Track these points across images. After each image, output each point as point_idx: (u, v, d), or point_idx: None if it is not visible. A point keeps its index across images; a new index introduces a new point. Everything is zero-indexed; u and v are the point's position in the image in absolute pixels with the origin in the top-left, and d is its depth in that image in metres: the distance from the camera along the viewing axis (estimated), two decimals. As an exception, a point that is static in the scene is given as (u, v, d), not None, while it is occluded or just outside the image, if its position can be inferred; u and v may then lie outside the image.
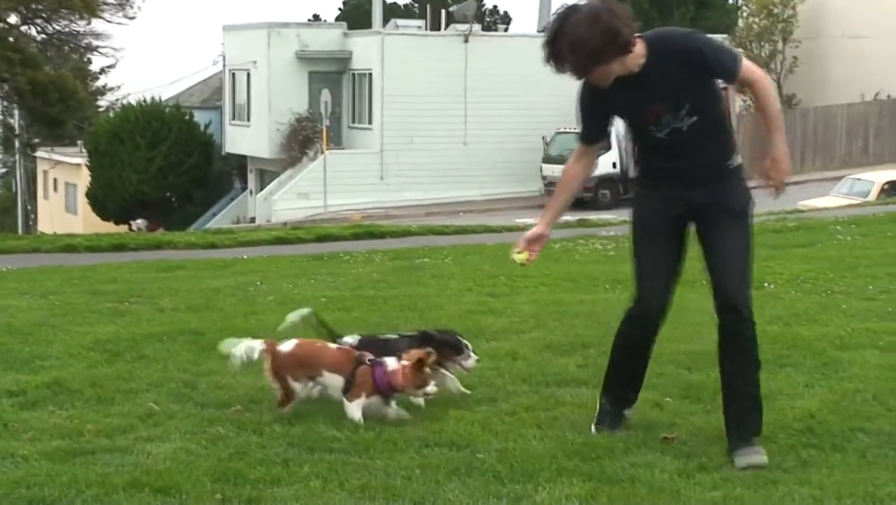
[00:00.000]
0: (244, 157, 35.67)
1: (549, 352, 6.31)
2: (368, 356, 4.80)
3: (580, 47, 4.20)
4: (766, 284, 8.94)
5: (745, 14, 41.04)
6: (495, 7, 56.30)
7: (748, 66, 4.45)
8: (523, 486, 4.04)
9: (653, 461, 4.31)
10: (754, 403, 4.43)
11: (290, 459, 4.32)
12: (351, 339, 5.28)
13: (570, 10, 4.29)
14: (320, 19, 46.51)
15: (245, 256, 15.07)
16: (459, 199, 30.58)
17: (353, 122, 33.38)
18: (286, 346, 4.90)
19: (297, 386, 4.83)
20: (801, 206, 23.28)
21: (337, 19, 43.16)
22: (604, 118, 4.70)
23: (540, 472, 4.15)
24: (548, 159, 31.02)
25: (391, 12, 41.28)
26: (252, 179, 35.68)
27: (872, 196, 25.11)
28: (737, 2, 43.82)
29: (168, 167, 34.16)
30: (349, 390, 4.74)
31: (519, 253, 4.60)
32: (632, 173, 5.12)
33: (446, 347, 5.11)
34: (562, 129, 30.71)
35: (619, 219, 23.93)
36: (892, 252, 11.68)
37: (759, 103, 4.57)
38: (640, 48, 4.36)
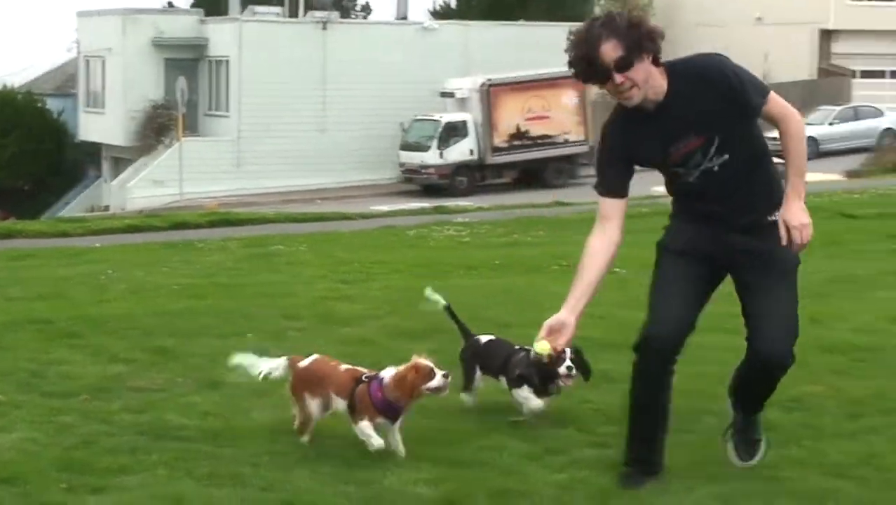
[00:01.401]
0: (98, 144, 35.16)
1: (403, 338, 6.43)
2: (367, 374, 4.46)
3: (634, 28, 3.82)
4: (617, 270, 9.31)
5: (601, 2, 42.18)
6: (355, -6, 56.38)
7: (777, 101, 3.96)
8: (372, 471, 4.11)
9: (502, 444, 4.44)
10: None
11: (138, 447, 4.32)
12: (485, 338, 5.10)
13: (607, 17, 3.94)
14: (175, 6, 46.03)
15: (98, 245, 14.95)
16: (316, 187, 30.70)
17: (210, 109, 33.26)
18: (305, 361, 4.64)
19: (312, 405, 4.49)
20: (653, 192, 24.02)
21: (193, 6, 42.53)
22: (628, 164, 4.08)
23: (389, 457, 4.24)
24: (405, 146, 31.45)
25: (248, -1, 41.20)
26: (106, 167, 35.29)
27: None
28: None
29: (20, 155, 33.88)
30: (353, 414, 4.40)
31: (540, 342, 3.93)
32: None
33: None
34: (419, 117, 31.16)
35: (475, 205, 24.40)
36: None
37: (786, 144, 4.00)
38: (660, 75, 3.94)
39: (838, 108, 34.78)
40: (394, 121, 31.16)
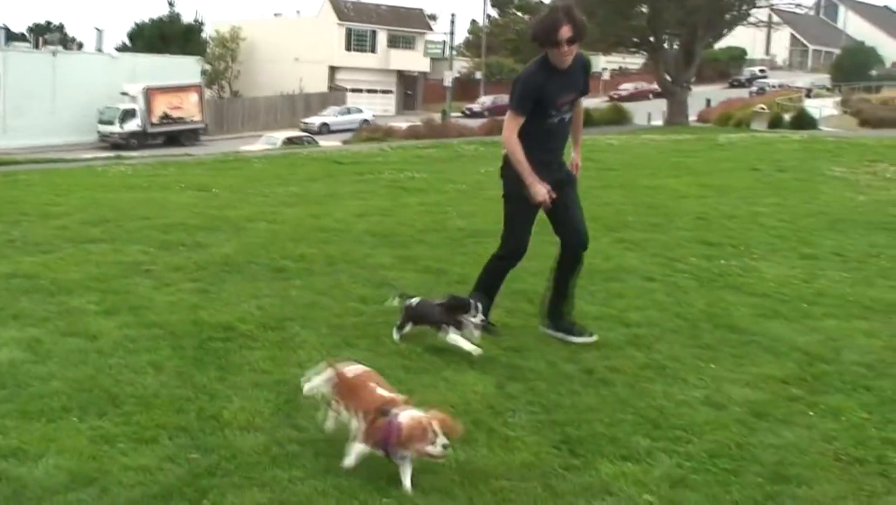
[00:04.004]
0: None
1: (88, 225, 11.93)
2: (393, 410, 4.66)
3: (581, 24, 6.37)
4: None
5: (211, 45, 72.63)
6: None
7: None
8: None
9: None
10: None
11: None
12: (415, 300, 6.92)
13: (567, 9, 6.34)
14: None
15: None
16: (51, 144, 52.68)
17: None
18: (350, 370, 5.07)
19: (342, 411, 4.94)
20: (241, 151, 48.15)
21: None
22: (537, 99, 6.49)
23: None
24: (101, 122, 56.28)
25: None
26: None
27: (279, 144, 50.44)
28: (207, 36, 74.09)
29: None
30: (360, 433, 4.79)
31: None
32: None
33: (460, 307, 6.59)
34: (108, 106, 55.82)
35: (139, 155, 32.71)
36: (283, 173, 18.12)
37: (577, 115, 6.86)
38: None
39: (340, 108, 63.75)
40: (96, 108, 54.83)
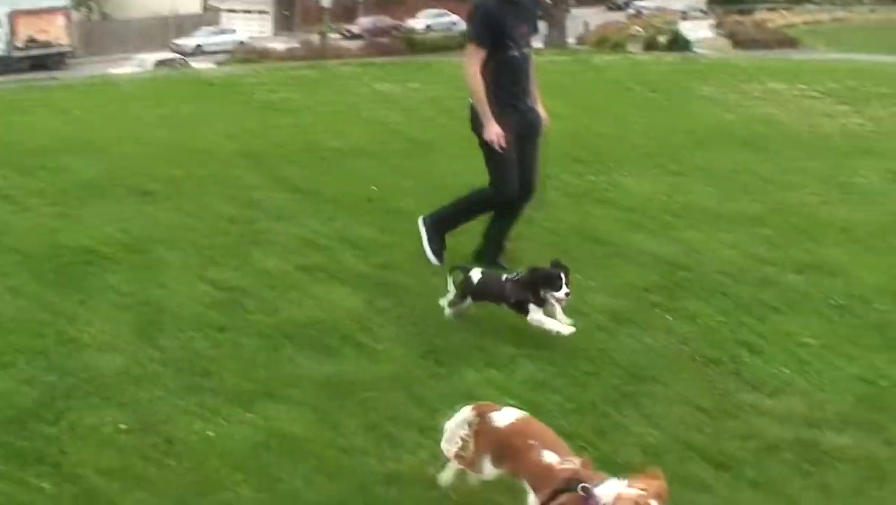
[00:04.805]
0: None
1: None
2: (583, 481, 3.37)
3: None
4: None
5: None
6: None
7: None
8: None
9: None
10: None
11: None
12: (476, 273, 5.93)
13: None
14: None
15: None
16: None
17: None
18: (501, 418, 3.79)
19: (487, 468, 3.73)
20: (110, 74, 45.47)
21: None
22: (495, 31, 6.46)
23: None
24: None
25: None
26: None
27: (150, 67, 49.13)
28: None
29: None
30: None
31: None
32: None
33: (546, 280, 5.57)
34: None
35: (2, 80, 29.18)
36: (152, 95, 16.67)
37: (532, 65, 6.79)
38: None
39: (213, 29, 61.82)
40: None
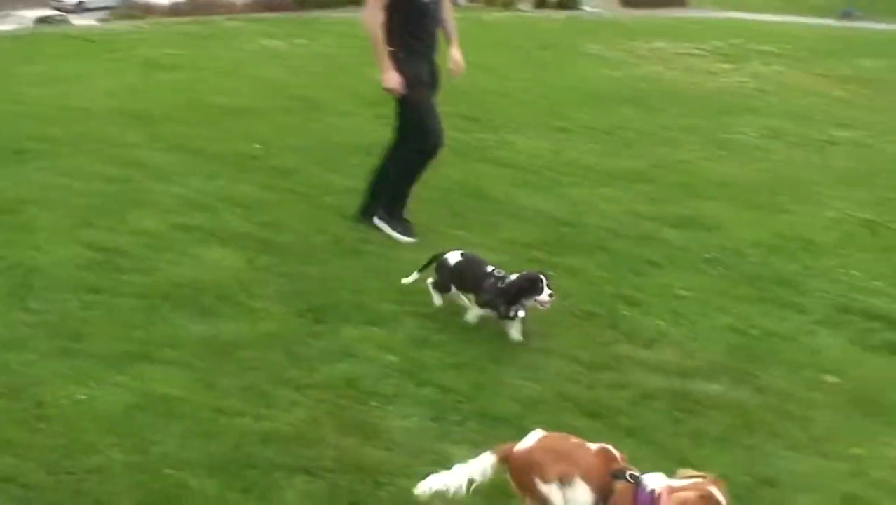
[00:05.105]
0: None
1: None
2: (630, 470, 3.35)
3: None
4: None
5: None
6: None
7: None
8: None
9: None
10: None
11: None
12: (452, 255, 5.52)
13: None
14: None
15: None
16: None
17: None
18: (524, 444, 3.54)
19: (551, 492, 3.40)
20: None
21: None
22: None
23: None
24: None
25: None
26: None
27: (29, 24, 47.59)
28: None
29: None
30: None
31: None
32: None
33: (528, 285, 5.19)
34: None
35: None
36: (30, 52, 16.09)
37: (446, 8, 6.62)
38: None
39: None
40: None
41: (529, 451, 3.50)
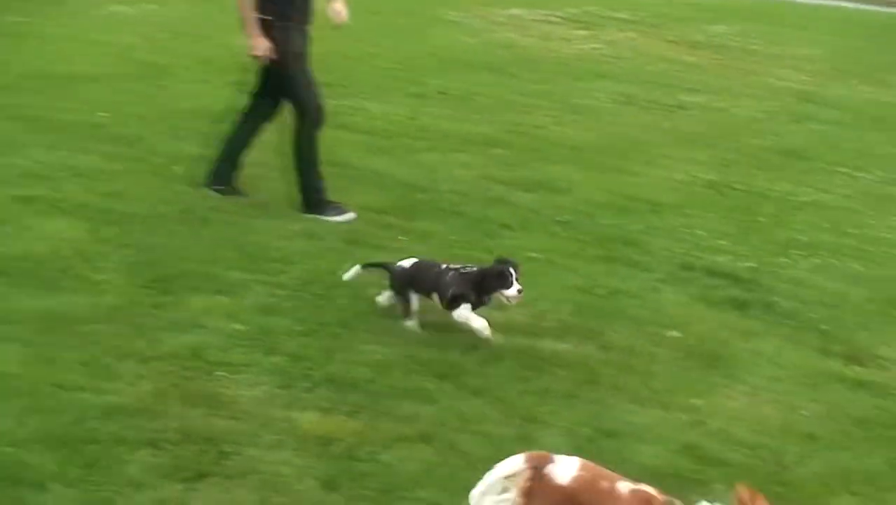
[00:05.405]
0: None
1: None
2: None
3: None
4: None
5: None
6: None
7: None
8: None
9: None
10: None
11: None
12: (406, 262, 5.15)
13: None
14: None
15: None
16: None
17: None
18: (561, 472, 3.08)
19: None
20: None
21: None
22: None
23: None
24: None
25: None
26: None
27: None
28: None
29: None
30: None
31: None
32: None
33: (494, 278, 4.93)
34: None
35: None
36: None
37: None
38: None
39: None
40: None
41: (567, 492, 3.05)
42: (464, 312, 5.01)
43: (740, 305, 6.04)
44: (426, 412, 4.34)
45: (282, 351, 4.70)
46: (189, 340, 4.73)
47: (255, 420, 4.14)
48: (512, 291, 4.98)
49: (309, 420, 4.15)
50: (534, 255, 6.36)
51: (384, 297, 5.25)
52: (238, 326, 4.87)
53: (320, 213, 6.57)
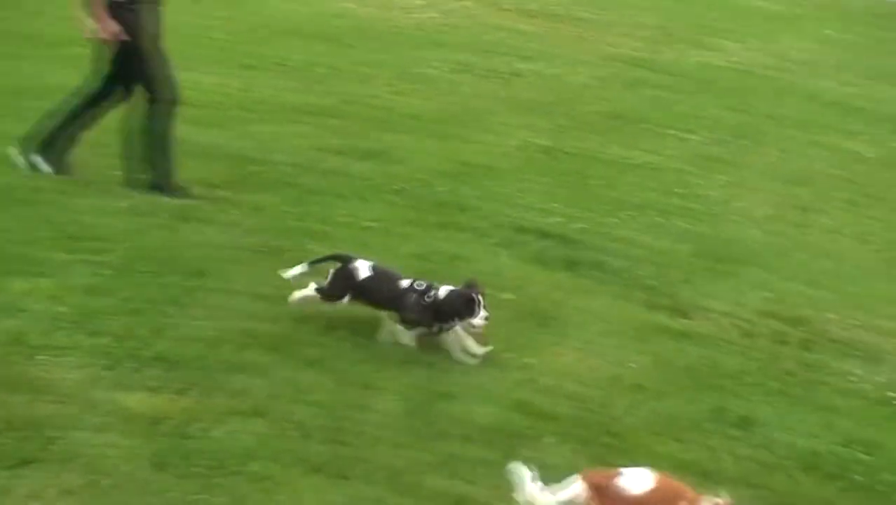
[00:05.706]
0: None
1: None
2: None
3: None
4: None
5: None
6: None
7: None
8: None
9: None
10: None
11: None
12: (361, 266, 4.86)
13: None
14: None
15: None
16: None
17: None
18: (633, 484, 3.06)
19: None
20: None
21: None
22: None
23: None
24: None
25: None
26: None
27: None
28: None
29: None
30: None
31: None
32: None
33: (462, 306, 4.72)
34: None
35: None
36: None
37: None
38: None
39: None
40: None
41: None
42: (405, 332, 4.84)
43: (571, 266, 6.19)
44: (259, 385, 4.30)
45: (107, 332, 4.56)
46: (9, 324, 4.54)
47: (80, 403, 4.02)
48: (478, 320, 4.76)
49: (136, 400, 4.05)
50: (370, 224, 6.35)
51: (296, 271, 4.98)
52: (61, 309, 4.70)
53: (170, 196, 6.39)
